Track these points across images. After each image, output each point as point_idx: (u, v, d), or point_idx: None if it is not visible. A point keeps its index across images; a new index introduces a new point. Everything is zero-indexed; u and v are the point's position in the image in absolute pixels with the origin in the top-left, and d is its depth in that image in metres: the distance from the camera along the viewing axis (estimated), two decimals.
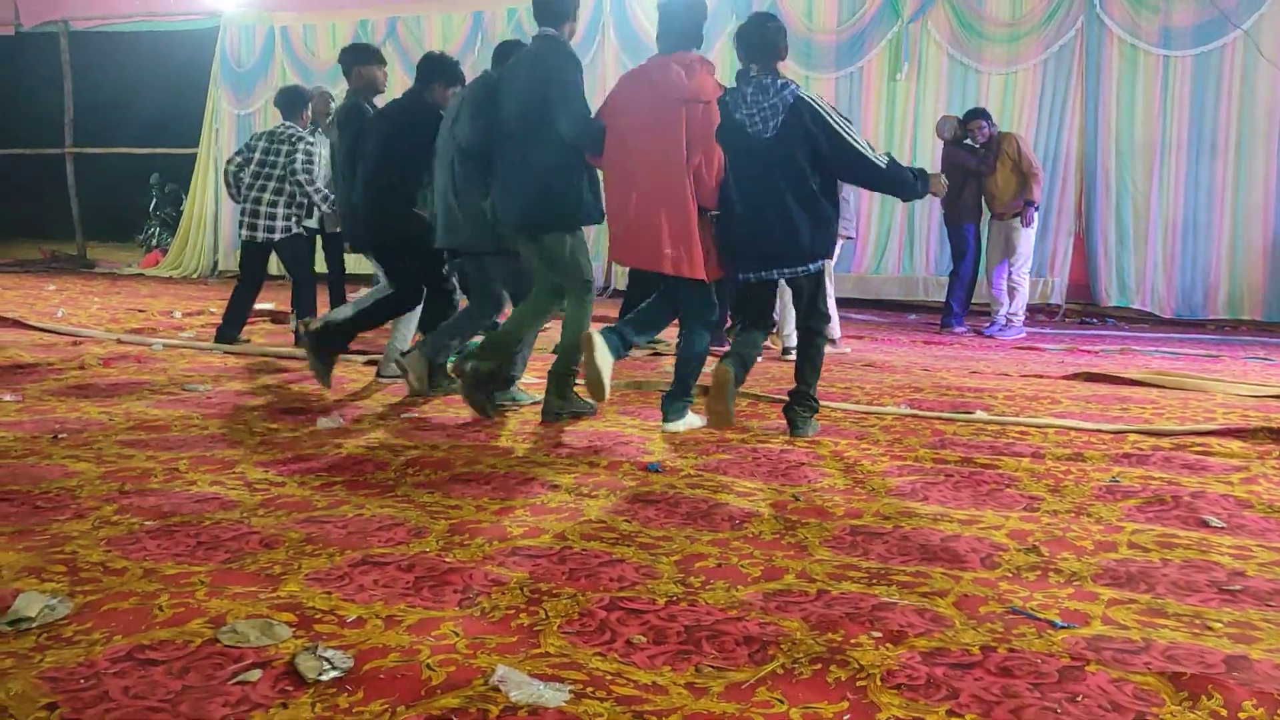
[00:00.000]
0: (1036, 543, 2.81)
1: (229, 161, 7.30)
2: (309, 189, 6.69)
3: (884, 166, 4.03)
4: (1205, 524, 3.01)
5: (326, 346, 4.97)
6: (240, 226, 6.93)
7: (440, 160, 4.72)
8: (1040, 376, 6.05)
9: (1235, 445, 4.09)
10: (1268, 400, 5.24)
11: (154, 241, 16.07)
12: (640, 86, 4.22)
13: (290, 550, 2.66)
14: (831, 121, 4.01)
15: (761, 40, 4.14)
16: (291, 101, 6.95)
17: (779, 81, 4.08)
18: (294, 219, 6.86)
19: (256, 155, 6.83)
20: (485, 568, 2.55)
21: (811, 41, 10.70)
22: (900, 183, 4.14)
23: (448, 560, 2.60)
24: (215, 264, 13.96)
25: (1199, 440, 4.18)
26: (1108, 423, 4.55)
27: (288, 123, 6.83)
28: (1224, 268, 9.32)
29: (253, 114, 13.50)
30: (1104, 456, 3.91)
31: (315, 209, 6.95)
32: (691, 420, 4.40)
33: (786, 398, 4.39)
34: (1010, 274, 8.25)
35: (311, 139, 6.79)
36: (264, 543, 2.72)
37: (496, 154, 4.46)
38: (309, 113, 7.04)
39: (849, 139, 4.01)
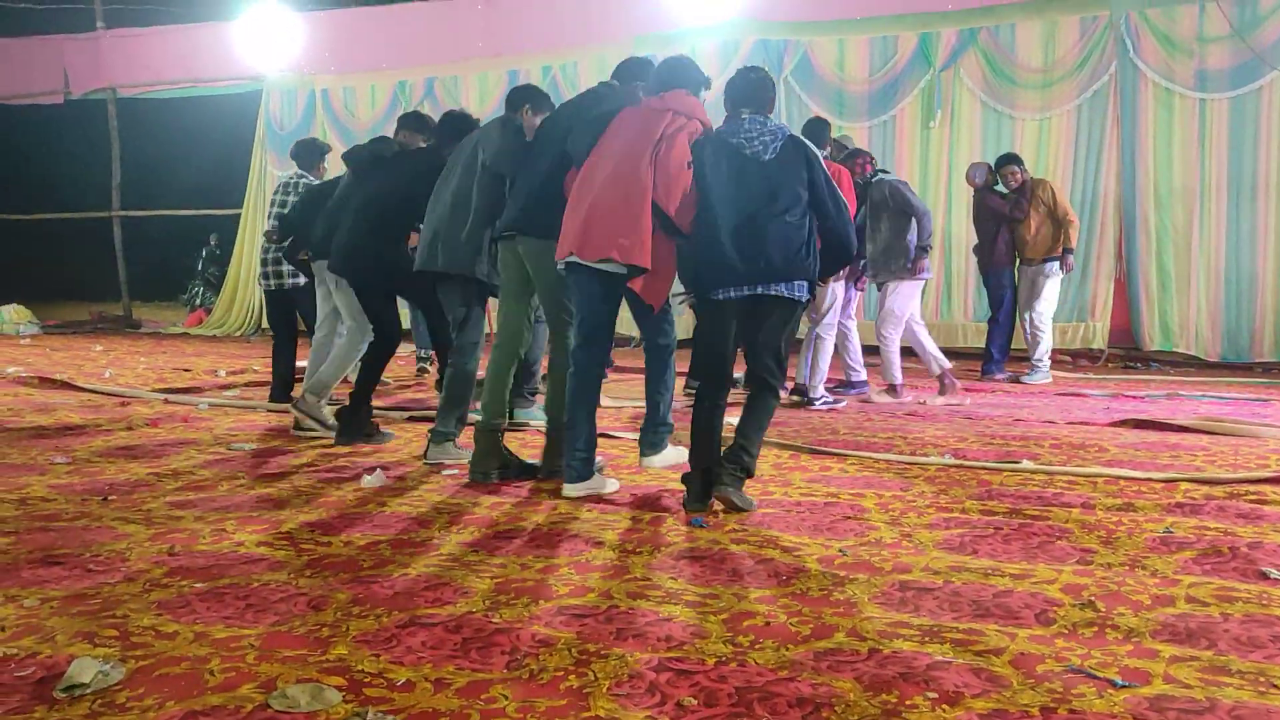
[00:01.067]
0: (1092, 597, 2.76)
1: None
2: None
3: (850, 226, 4.04)
4: (1265, 576, 2.93)
5: (356, 425, 5.30)
6: (264, 277, 6.93)
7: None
8: (1086, 423, 5.97)
9: None
10: None
11: (198, 301, 16.36)
12: (637, 113, 4.19)
13: (338, 612, 2.66)
14: (821, 165, 4.02)
15: (757, 88, 4.08)
16: (307, 151, 7.03)
17: (773, 121, 4.06)
18: None
19: (274, 206, 6.89)
20: (532, 628, 2.54)
21: (844, 91, 10.77)
22: (851, 247, 4.08)
23: (494, 620, 2.59)
24: (260, 323, 14.17)
25: (1253, 488, 4.09)
26: (1158, 471, 4.47)
27: (300, 171, 6.91)
28: (1269, 310, 9.19)
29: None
30: (1156, 506, 3.84)
31: None
32: (669, 455, 4.27)
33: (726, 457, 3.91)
34: (1031, 319, 8.18)
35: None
36: (312, 604, 2.72)
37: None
38: (324, 164, 7.14)
39: (832, 187, 4.00)
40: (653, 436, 4.27)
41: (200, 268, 16.70)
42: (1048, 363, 8.22)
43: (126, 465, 4.74)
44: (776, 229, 3.85)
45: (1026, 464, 4.64)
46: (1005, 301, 8.33)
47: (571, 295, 4.23)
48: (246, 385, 8.07)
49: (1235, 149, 9.24)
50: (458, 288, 4.81)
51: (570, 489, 4.09)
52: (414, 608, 2.70)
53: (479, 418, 4.54)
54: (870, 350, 7.40)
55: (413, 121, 5.94)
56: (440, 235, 4.74)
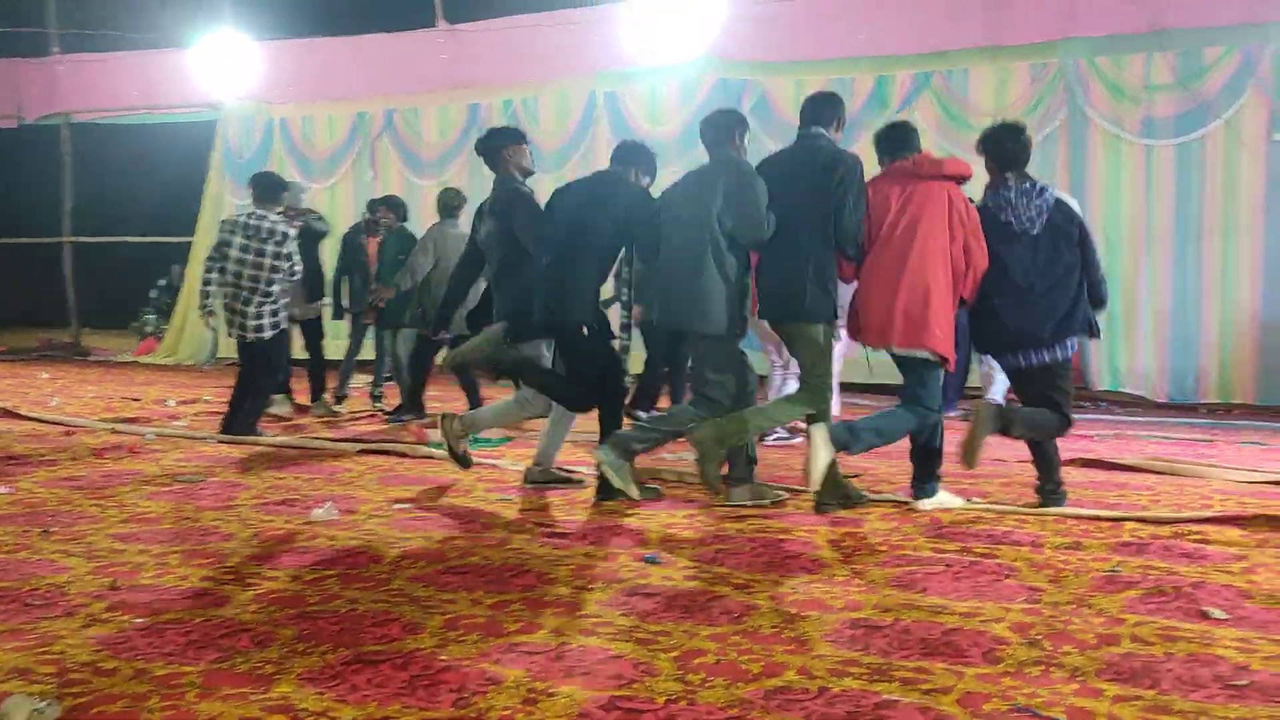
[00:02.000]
0: (1039, 636, 2.78)
1: None
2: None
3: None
4: (1207, 616, 2.98)
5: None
6: (230, 325, 6.83)
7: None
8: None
9: (1234, 533, 4.07)
10: (1264, 486, 5.23)
11: (149, 329, 16.11)
12: (914, 182, 4.41)
13: (282, 648, 2.62)
14: (1082, 221, 4.51)
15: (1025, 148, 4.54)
16: (266, 186, 6.91)
17: (1039, 187, 4.45)
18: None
19: (233, 250, 6.70)
20: (481, 665, 2.51)
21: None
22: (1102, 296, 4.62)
23: (442, 658, 2.56)
24: (213, 352, 13.97)
25: (1197, 528, 4.16)
26: (1105, 510, 4.53)
27: (259, 211, 6.73)
28: (1214, 352, 9.38)
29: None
30: (1103, 545, 3.89)
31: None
32: (944, 499, 4.55)
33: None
34: (985, 359, 8.26)
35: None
36: (256, 640, 2.68)
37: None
38: (285, 201, 7.15)
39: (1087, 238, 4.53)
40: (928, 484, 4.59)
41: (153, 295, 16.47)
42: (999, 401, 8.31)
43: (69, 496, 4.65)
44: (1045, 301, 4.32)
45: (977, 501, 4.68)
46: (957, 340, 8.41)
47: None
48: (196, 416, 7.94)
49: (1181, 195, 9.46)
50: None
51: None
52: (361, 644, 2.66)
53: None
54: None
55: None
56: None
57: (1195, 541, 3.94)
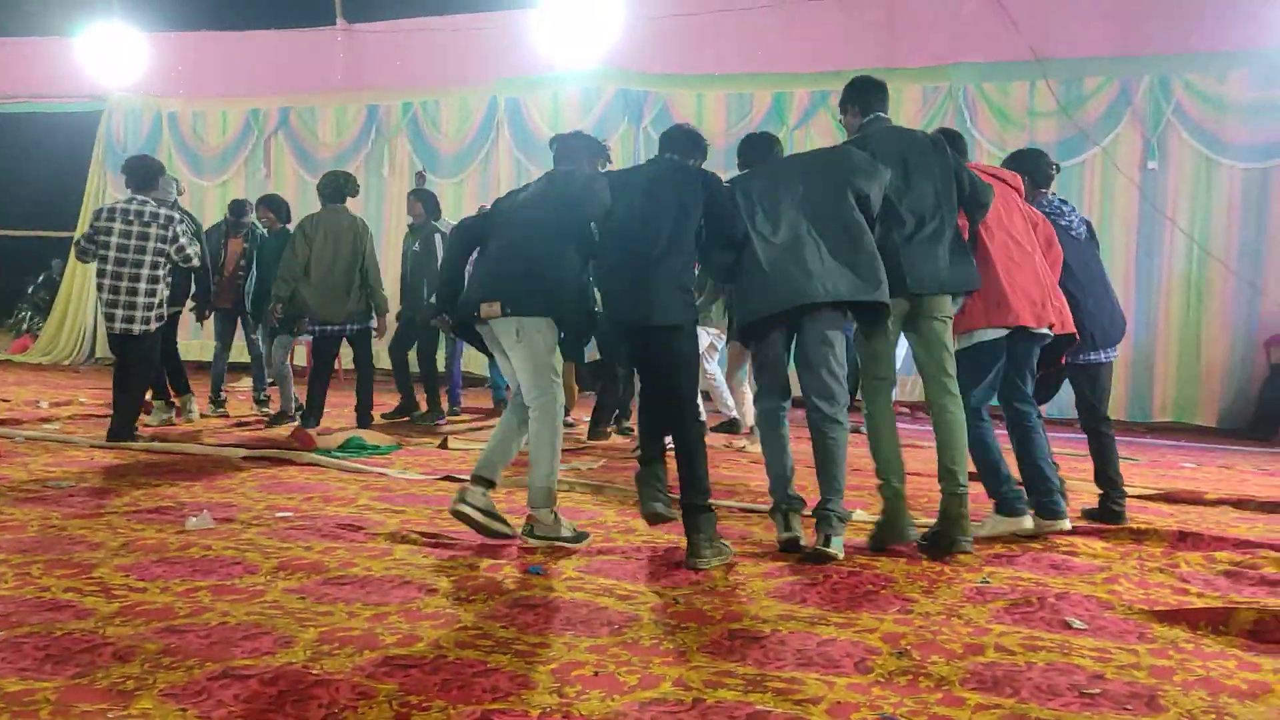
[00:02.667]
0: (909, 646, 2.86)
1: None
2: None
3: None
4: (1068, 626, 3.10)
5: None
6: (110, 319, 6.56)
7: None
8: (917, 474, 6.18)
9: (1099, 545, 4.24)
10: (1130, 500, 5.45)
11: (25, 326, 15.43)
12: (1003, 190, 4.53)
13: (145, 663, 2.53)
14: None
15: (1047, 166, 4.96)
16: (141, 171, 6.63)
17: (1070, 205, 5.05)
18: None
19: (110, 235, 6.41)
20: (354, 679, 2.47)
21: None
22: None
23: (314, 672, 2.50)
24: (91, 351, 13.46)
25: (1066, 540, 4.32)
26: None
27: (140, 197, 6.49)
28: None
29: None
30: (976, 557, 4.01)
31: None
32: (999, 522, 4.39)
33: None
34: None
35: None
36: (118, 655, 2.58)
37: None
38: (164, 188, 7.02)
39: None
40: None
41: (31, 291, 15.79)
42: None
43: None
44: (1112, 299, 4.86)
45: (859, 513, 4.78)
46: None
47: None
48: (70, 418, 7.63)
49: None
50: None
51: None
52: (229, 658, 2.59)
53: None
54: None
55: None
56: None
57: (1063, 553, 4.09)
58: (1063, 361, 4.70)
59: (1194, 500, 5.43)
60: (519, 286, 4.01)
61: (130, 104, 13.39)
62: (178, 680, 2.42)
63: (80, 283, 13.53)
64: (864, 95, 4.39)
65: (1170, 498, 5.49)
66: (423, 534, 4.14)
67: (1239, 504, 5.33)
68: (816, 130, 10.59)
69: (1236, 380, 9.42)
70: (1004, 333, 4.29)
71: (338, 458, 6.02)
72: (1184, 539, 4.30)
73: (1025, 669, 2.70)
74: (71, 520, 4.17)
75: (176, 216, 6.56)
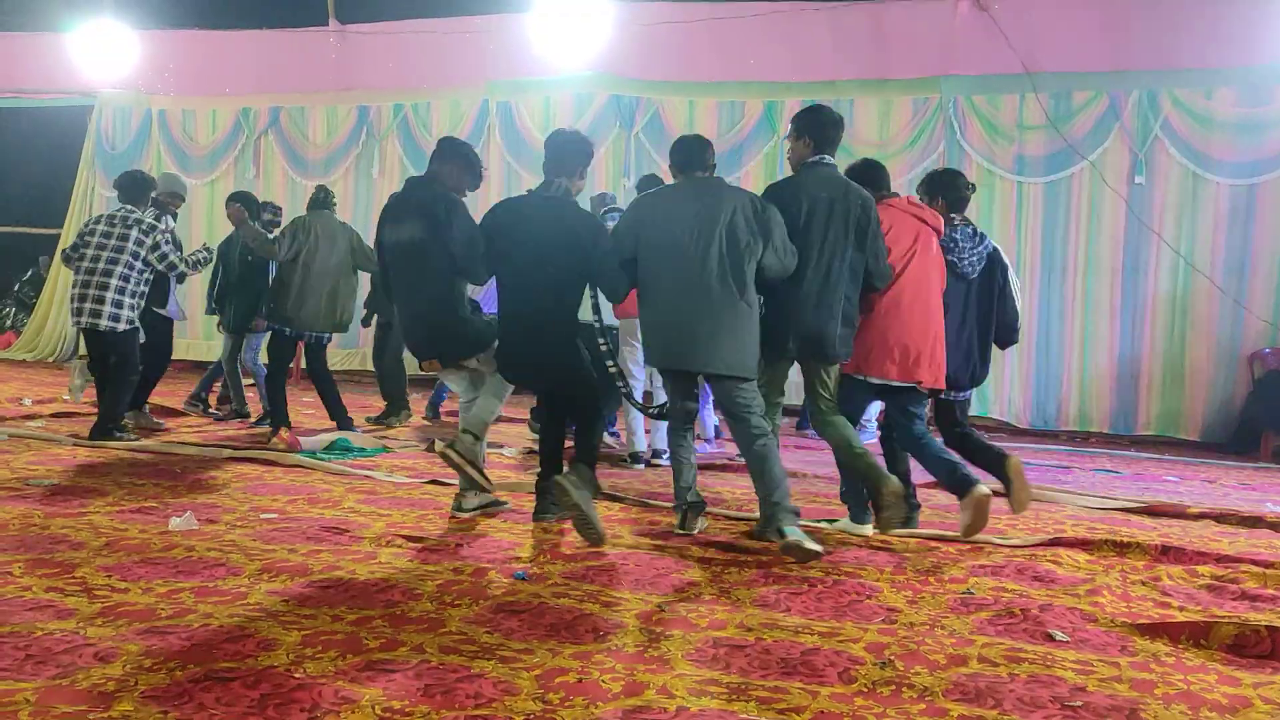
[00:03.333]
0: (892, 656, 2.87)
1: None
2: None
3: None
4: (1051, 638, 3.11)
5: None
6: (76, 313, 6.55)
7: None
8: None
9: (1083, 557, 4.26)
10: (1113, 513, 5.49)
11: (8, 322, 15.34)
12: (910, 224, 4.50)
13: (127, 664, 2.52)
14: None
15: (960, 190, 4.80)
16: (135, 185, 6.71)
17: (979, 235, 4.76)
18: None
19: (95, 236, 6.49)
20: (337, 684, 2.46)
21: None
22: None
23: (297, 676, 2.49)
24: (75, 348, 13.37)
25: (1050, 552, 4.34)
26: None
27: (128, 207, 6.57)
28: (1074, 382, 9.84)
29: None
30: (961, 568, 4.03)
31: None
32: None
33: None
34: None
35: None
36: (99, 656, 2.57)
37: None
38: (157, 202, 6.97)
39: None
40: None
41: (16, 288, 15.69)
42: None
43: None
44: (978, 341, 4.72)
45: (842, 523, 4.79)
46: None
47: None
48: (53, 416, 7.59)
49: (1048, 231, 9.91)
50: None
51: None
52: (212, 661, 2.57)
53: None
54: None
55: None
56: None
57: (1047, 564, 4.11)
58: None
59: (1177, 514, 5.46)
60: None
61: (120, 101, 13.34)
62: (159, 682, 2.41)
63: (65, 281, 13.45)
64: (822, 131, 4.49)
65: (1153, 511, 5.52)
66: (408, 537, 4.13)
67: (1221, 518, 5.36)
68: None
69: (1220, 394, 9.49)
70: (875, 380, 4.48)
71: (323, 460, 6.00)
72: (1166, 553, 4.32)
73: (1008, 680, 2.71)
74: (54, 519, 4.15)
75: (161, 226, 6.57)
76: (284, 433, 6.66)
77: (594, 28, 11.04)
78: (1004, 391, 9.99)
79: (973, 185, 4.91)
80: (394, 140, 12.21)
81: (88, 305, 6.35)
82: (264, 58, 12.68)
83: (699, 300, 4.20)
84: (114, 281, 6.35)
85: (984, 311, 4.71)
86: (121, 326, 6.41)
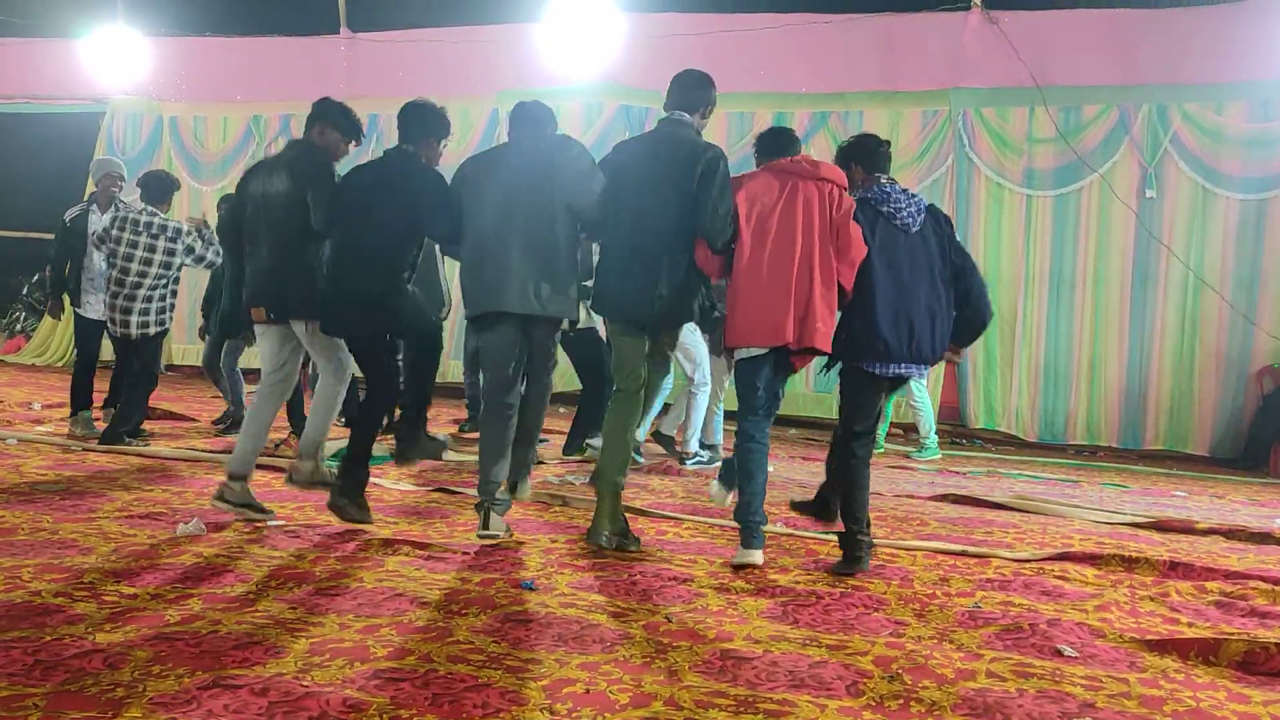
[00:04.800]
0: (900, 670, 2.86)
1: None
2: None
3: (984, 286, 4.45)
4: (1059, 653, 3.10)
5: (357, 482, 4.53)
6: (109, 323, 6.64)
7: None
8: (911, 496, 6.20)
9: (1090, 572, 4.25)
10: (1121, 528, 5.48)
11: (18, 327, 15.39)
12: (791, 184, 4.18)
13: (135, 670, 2.52)
14: (952, 230, 4.41)
15: (882, 156, 4.37)
16: (160, 185, 6.73)
17: (911, 192, 4.31)
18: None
19: (119, 244, 6.51)
20: (345, 692, 2.46)
21: None
22: (988, 307, 4.44)
23: (305, 683, 2.50)
24: None
25: (1058, 566, 4.33)
26: (972, 545, 4.68)
27: (150, 208, 6.59)
28: (1083, 395, 9.81)
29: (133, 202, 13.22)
30: (968, 581, 4.02)
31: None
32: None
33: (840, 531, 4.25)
34: (910, 394, 8.37)
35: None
36: (108, 662, 2.57)
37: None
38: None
39: (960, 249, 4.41)
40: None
41: (25, 292, 15.74)
42: (935, 438, 8.48)
43: None
44: (924, 307, 4.10)
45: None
46: None
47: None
48: (62, 420, 7.60)
49: (1057, 244, 9.90)
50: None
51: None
52: (220, 668, 2.58)
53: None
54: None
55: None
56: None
57: (1055, 579, 4.09)
58: (795, 368, 4.31)
59: (1185, 529, 5.44)
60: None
61: (131, 107, 13.40)
62: (167, 689, 2.42)
63: (74, 285, 13.49)
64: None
65: (1161, 526, 5.50)
66: (415, 545, 4.13)
67: (1230, 534, 5.34)
68: (816, 150, 10.61)
69: (1229, 410, 9.45)
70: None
71: (330, 467, 5.99)
72: (1175, 568, 4.30)
73: (1016, 696, 2.70)
74: (63, 524, 4.16)
75: (185, 229, 6.63)
76: (293, 439, 6.67)
77: (604, 38, 11.07)
78: (1011, 405, 9.96)
79: (888, 146, 4.42)
80: None
81: (118, 315, 6.49)
82: (275, 65, 12.72)
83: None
84: (143, 291, 6.48)
85: (933, 267, 4.16)
86: (151, 331, 6.56)
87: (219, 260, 6.81)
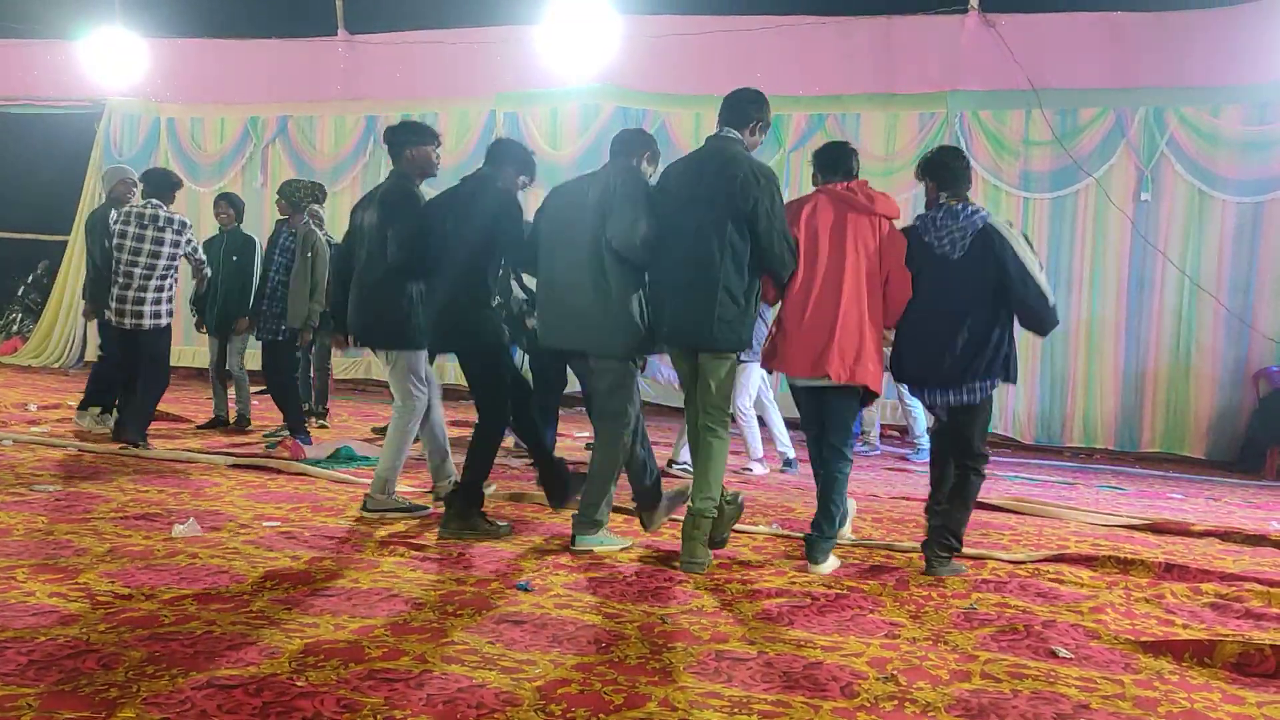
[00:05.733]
0: (895, 671, 2.86)
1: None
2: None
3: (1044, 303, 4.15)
4: (1054, 654, 3.10)
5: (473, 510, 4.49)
6: (119, 314, 6.61)
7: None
8: (907, 499, 6.20)
9: (1086, 574, 4.25)
10: (1117, 530, 5.48)
11: (14, 328, 15.37)
12: (845, 213, 4.15)
13: (129, 671, 2.52)
14: (1011, 246, 4.12)
15: (960, 171, 4.24)
16: (165, 182, 6.77)
17: (969, 211, 4.14)
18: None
19: (127, 239, 6.53)
20: (339, 692, 2.46)
21: None
22: (1046, 322, 4.20)
23: (299, 684, 2.50)
24: (82, 354, 13.42)
25: (1053, 568, 4.33)
26: (968, 547, 4.67)
27: (156, 202, 6.60)
28: (1079, 398, 9.82)
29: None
30: (964, 582, 4.02)
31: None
32: (834, 562, 4.19)
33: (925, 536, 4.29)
34: (900, 397, 8.38)
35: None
36: (102, 662, 2.57)
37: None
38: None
39: (1020, 266, 4.08)
40: (826, 545, 4.20)
41: (21, 293, 15.73)
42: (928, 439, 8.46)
43: None
44: (951, 332, 4.03)
45: (848, 536, 4.78)
46: None
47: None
48: (58, 421, 7.60)
49: (1053, 247, 9.90)
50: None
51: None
52: (214, 668, 2.58)
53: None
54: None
55: None
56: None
57: (1050, 581, 4.09)
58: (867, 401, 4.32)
59: (1181, 531, 5.44)
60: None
61: (129, 108, 13.40)
62: (161, 689, 2.41)
63: (71, 286, 13.49)
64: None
65: (1157, 528, 5.50)
66: (411, 546, 4.13)
67: (1225, 536, 5.34)
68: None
69: (1225, 412, 9.46)
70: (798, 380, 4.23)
71: (326, 468, 6.01)
72: (1170, 570, 4.31)
73: (1011, 697, 2.70)
74: (58, 525, 4.16)
75: (189, 223, 6.68)
76: (288, 440, 6.68)
77: (601, 40, 11.07)
78: (1009, 407, 9.97)
79: (967, 160, 4.34)
80: None
81: (129, 307, 6.48)
82: (273, 67, 12.72)
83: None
84: (153, 283, 6.51)
85: (975, 295, 4.05)
86: (163, 322, 6.60)
87: (208, 272, 6.90)
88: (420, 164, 4.85)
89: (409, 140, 4.83)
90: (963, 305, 4.05)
